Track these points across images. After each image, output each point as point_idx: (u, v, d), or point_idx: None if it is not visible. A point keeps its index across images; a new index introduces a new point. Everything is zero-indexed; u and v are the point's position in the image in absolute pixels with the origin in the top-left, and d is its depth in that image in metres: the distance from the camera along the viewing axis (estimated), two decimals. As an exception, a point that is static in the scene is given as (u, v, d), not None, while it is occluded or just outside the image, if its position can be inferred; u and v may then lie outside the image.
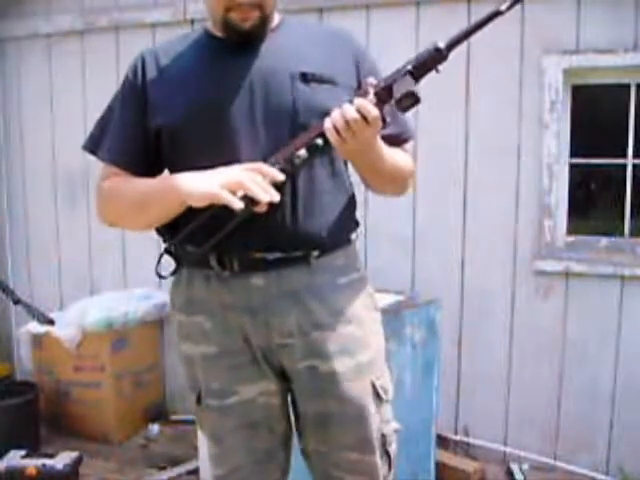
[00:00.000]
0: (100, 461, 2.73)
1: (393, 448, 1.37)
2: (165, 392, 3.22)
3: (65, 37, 3.20)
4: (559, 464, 2.58)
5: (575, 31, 2.42)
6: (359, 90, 1.14)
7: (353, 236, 1.36)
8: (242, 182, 1.11)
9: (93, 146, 1.34)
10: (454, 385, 2.70)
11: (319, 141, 1.13)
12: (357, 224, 1.38)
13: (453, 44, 1.10)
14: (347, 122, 1.08)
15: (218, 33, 1.27)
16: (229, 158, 1.18)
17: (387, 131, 1.25)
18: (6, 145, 3.42)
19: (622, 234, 2.58)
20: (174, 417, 3.13)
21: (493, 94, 2.54)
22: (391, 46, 2.49)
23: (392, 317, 2.03)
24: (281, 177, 1.12)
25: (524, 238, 2.58)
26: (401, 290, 2.39)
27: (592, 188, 5.80)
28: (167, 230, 1.29)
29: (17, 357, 3.31)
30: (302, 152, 1.14)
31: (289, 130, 1.19)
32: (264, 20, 1.22)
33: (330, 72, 1.24)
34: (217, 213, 1.16)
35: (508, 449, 2.65)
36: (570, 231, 2.60)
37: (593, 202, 5.68)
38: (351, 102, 1.10)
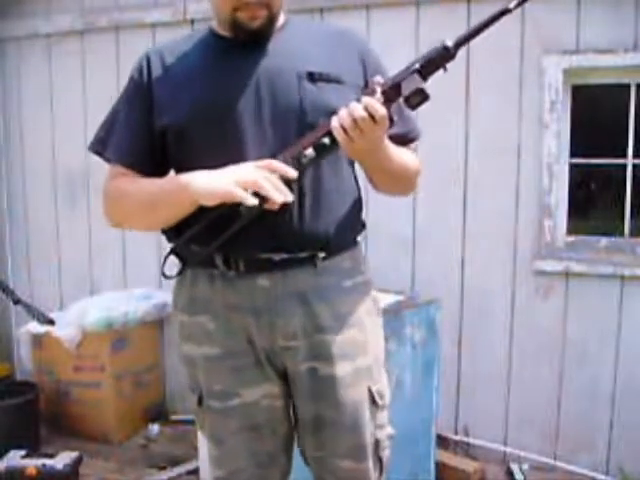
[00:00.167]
0: (100, 461, 2.73)
1: (386, 454, 1.37)
2: (165, 392, 3.22)
3: (65, 37, 3.20)
4: (559, 464, 2.58)
5: (575, 31, 2.42)
6: (366, 89, 1.14)
7: (359, 238, 1.36)
8: (256, 180, 1.10)
9: (99, 147, 1.33)
10: (454, 385, 2.70)
11: (326, 140, 1.12)
12: (363, 226, 1.38)
13: (461, 42, 1.09)
14: (355, 121, 1.08)
15: (224, 32, 1.26)
16: (236, 158, 1.17)
17: (394, 130, 1.25)
18: (6, 145, 3.42)
19: (622, 234, 2.58)
20: (174, 417, 3.13)
21: (493, 94, 2.54)
22: (391, 46, 2.48)
23: (392, 317, 2.03)
24: (293, 173, 1.12)
25: (524, 238, 2.58)
26: (401, 290, 2.39)
27: (592, 188, 5.80)
28: (172, 230, 1.28)
29: (17, 357, 3.31)
30: (309, 151, 1.13)
31: (296, 129, 1.19)
32: (271, 19, 1.22)
33: (336, 71, 1.24)
34: (223, 213, 1.15)
35: (508, 449, 2.65)
36: (570, 231, 2.60)
37: (593, 202, 5.68)
38: (358, 101, 1.09)
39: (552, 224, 2.53)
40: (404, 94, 1.09)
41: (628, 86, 2.46)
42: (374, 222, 2.59)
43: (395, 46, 2.50)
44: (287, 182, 1.12)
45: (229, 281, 1.25)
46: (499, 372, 2.65)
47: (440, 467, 2.42)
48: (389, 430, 1.38)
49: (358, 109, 1.08)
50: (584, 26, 2.41)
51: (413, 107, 1.11)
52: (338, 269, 1.29)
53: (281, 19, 1.28)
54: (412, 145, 1.38)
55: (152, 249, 3.13)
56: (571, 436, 2.57)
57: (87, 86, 3.20)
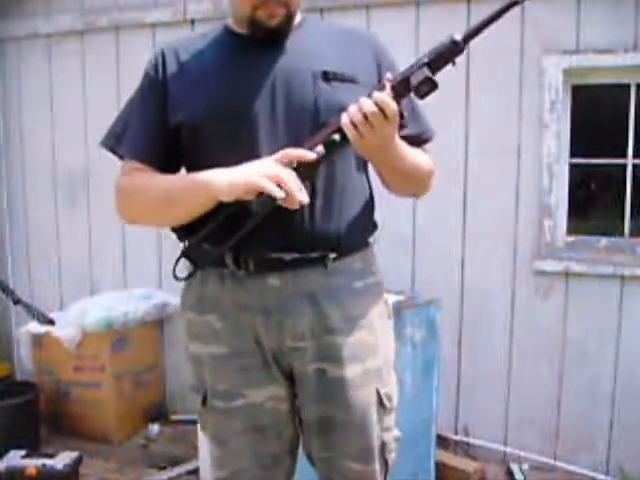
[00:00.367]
0: (100, 461, 2.73)
1: (392, 456, 1.36)
2: (165, 392, 3.22)
3: (65, 37, 3.20)
4: (559, 464, 2.58)
5: (575, 31, 2.42)
6: (377, 85, 1.13)
7: (371, 239, 1.35)
8: (280, 176, 1.09)
9: (113, 143, 1.32)
10: (454, 385, 2.70)
11: (336, 137, 1.11)
12: (375, 226, 1.37)
13: (470, 36, 1.09)
14: (365, 116, 1.07)
15: (240, 30, 1.26)
16: (248, 155, 1.17)
17: (407, 131, 1.25)
18: (6, 145, 3.42)
19: (622, 234, 2.58)
20: (174, 417, 3.13)
21: (493, 94, 2.54)
22: (391, 46, 2.45)
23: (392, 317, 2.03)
24: (312, 155, 1.11)
25: (524, 238, 2.58)
26: (401, 290, 2.39)
27: (592, 188, 5.80)
28: (184, 229, 1.27)
29: (17, 357, 3.31)
30: (319, 148, 1.12)
31: (310, 129, 1.18)
32: (289, 17, 1.22)
33: (351, 71, 1.24)
34: (237, 212, 1.15)
35: (508, 449, 2.65)
36: (570, 231, 2.60)
37: (593, 202, 5.69)
38: (369, 97, 1.09)
39: (552, 224, 2.53)
40: (413, 84, 1.08)
41: (628, 86, 2.46)
42: (374, 222, 2.60)
43: (395, 46, 2.46)
44: (304, 172, 1.11)
45: (239, 280, 1.24)
46: (499, 372, 2.65)
47: (440, 467, 2.42)
48: (395, 433, 1.37)
49: (368, 104, 1.07)
50: (584, 26, 2.41)
51: (422, 96, 1.10)
52: (349, 270, 1.28)
53: (298, 18, 1.28)
54: (426, 146, 1.37)
55: (152, 249, 3.13)
56: (571, 436, 2.57)
57: (87, 86, 3.20)
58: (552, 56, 2.45)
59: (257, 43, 1.23)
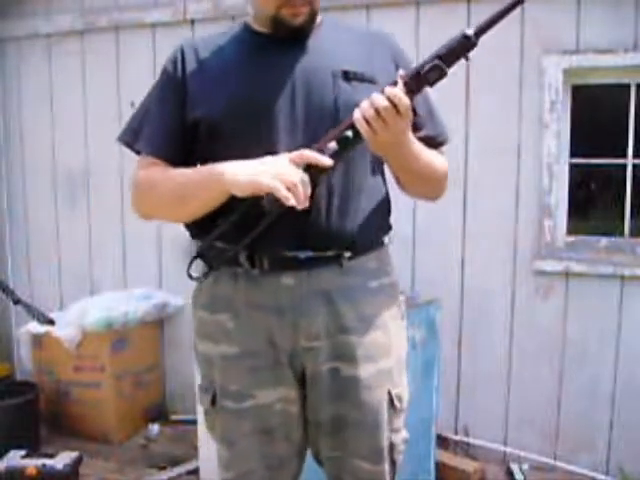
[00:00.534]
0: (100, 461, 2.73)
1: (400, 458, 1.36)
2: (165, 392, 3.22)
3: (65, 37, 3.20)
4: (559, 464, 2.58)
5: (575, 31, 2.42)
6: (390, 83, 1.12)
7: (386, 239, 1.35)
8: (291, 180, 1.08)
9: (130, 138, 1.31)
10: (454, 385, 2.70)
11: (349, 133, 1.11)
12: (390, 227, 1.37)
13: (482, 30, 1.09)
14: (377, 111, 1.07)
15: (260, 29, 1.26)
16: (266, 154, 1.16)
17: (423, 132, 1.25)
18: (6, 145, 3.42)
19: (622, 234, 2.58)
20: (174, 417, 3.13)
21: (493, 94, 2.54)
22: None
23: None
24: (328, 162, 1.10)
25: (524, 238, 2.58)
26: (401, 290, 2.38)
27: (592, 188, 5.80)
28: (198, 227, 1.27)
29: (17, 357, 3.31)
30: (332, 145, 1.11)
31: (329, 128, 1.17)
32: (313, 16, 1.23)
33: (370, 71, 1.24)
34: (249, 210, 1.14)
35: (508, 449, 2.65)
36: (570, 231, 2.60)
37: (593, 202, 5.68)
38: (382, 92, 1.08)
39: (552, 224, 2.53)
40: (422, 72, 1.08)
41: (628, 86, 2.46)
42: (374, 222, 2.60)
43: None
44: (316, 174, 1.11)
45: (253, 279, 1.24)
46: (499, 372, 2.65)
47: (440, 467, 2.42)
48: (404, 434, 1.37)
49: (380, 99, 1.07)
50: (584, 26, 2.41)
51: (430, 84, 1.09)
52: (364, 269, 1.28)
53: (318, 18, 1.28)
54: (442, 149, 1.37)
55: (152, 249, 3.13)
56: (571, 436, 2.57)
57: (87, 86, 3.20)
58: (552, 56, 2.45)
59: (277, 42, 1.24)
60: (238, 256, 1.23)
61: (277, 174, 1.09)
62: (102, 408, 2.90)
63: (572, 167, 2.57)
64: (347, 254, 1.24)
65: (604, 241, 2.56)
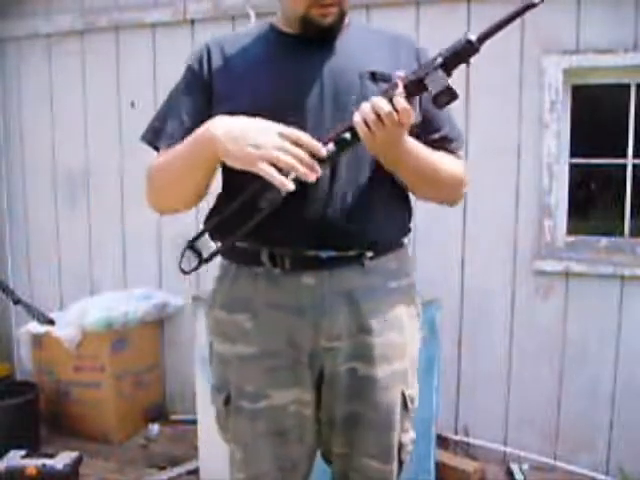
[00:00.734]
0: (100, 461, 2.73)
1: (407, 458, 1.37)
2: (165, 392, 3.22)
3: (65, 37, 3.20)
4: (559, 464, 2.58)
5: (575, 31, 2.42)
6: (389, 83, 1.12)
7: (405, 240, 1.35)
8: (291, 163, 1.07)
9: (151, 137, 1.30)
10: (454, 385, 2.71)
11: (347, 135, 1.11)
12: (410, 229, 1.37)
13: (485, 36, 1.08)
14: (379, 116, 1.07)
15: (287, 29, 1.26)
16: None
17: (441, 134, 1.27)
18: (6, 145, 3.42)
19: (622, 234, 2.58)
20: (174, 417, 3.14)
21: (493, 94, 2.54)
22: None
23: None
24: (323, 152, 1.09)
25: (524, 238, 2.58)
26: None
27: (592, 188, 5.80)
28: (216, 229, 1.26)
29: (17, 357, 3.31)
30: (330, 146, 1.11)
31: None
32: (342, 16, 1.23)
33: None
34: (251, 202, 1.14)
35: (508, 449, 2.65)
36: (570, 231, 2.60)
37: (593, 202, 5.68)
38: (383, 93, 1.08)
39: (552, 224, 2.53)
40: (431, 92, 1.06)
41: (628, 86, 2.46)
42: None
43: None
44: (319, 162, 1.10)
45: (273, 279, 1.23)
46: (499, 372, 2.65)
47: (440, 467, 2.42)
48: (412, 435, 1.37)
49: (384, 105, 1.06)
50: (584, 26, 2.41)
51: (441, 106, 1.08)
52: (384, 269, 1.28)
53: (346, 19, 1.28)
54: (459, 153, 1.37)
55: (152, 249, 3.13)
56: (571, 436, 2.57)
57: (87, 86, 3.20)
58: (552, 56, 2.45)
59: (305, 42, 1.24)
60: (260, 255, 1.23)
61: (264, 155, 1.07)
62: (102, 408, 2.90)
63: (572, 167, 2.57)
64: (369, 254, 1.25)
65: (604, 241, 2.57)
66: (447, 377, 2.59)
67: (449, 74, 1.08)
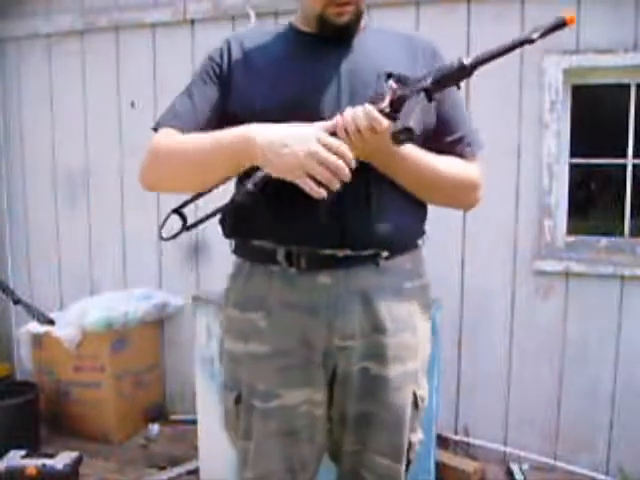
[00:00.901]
0: (100, 461, 2.73)
1: (414, 457, 1.37)
2: (165, 392, 3.22)
3: (65, 37, 3.20)
4: (559, 464, 2.58)
5: (575, 31, 2.42)
6: (378, 93, 1.13)
7: (420, 241, 1.36)
8: (328, 178, 1.07)
9: (164, 118, 1.28)
10: (454, 385, 2.71)
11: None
12: (424, 231, 1.37)
13: (478, 63, 1.10)
14: (358, 130, 1.08)
15: (305, 28, 1.27)
16: None
17: (457, 135, 1.31)
18: (6, 145, 3.42)
19: (622, 234, 2.58)
20: (174, 417, 3.14)
21: (493, 94, 2.54)
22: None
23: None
24: (354, 164, 1.09)
25: (524, 238, 2.58)
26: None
27: (592, 188, 5.80)
28: (231, 227, 1.27)
29: (17, 357, 3.31)
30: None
31: None
32: (358, 16, 1.23)
33: (413, 74, 1.22)
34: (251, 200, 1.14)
35: (508, 449, 2.65)
36: (570, 231, 2.60)
37: (593, 202, 5.68)
38: (371, 101, 1.10)
39: (552, 224, 2.53)
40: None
41: (628, 86, 2.46)
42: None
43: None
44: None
45: (288, 278, 1.23)
46: (499, 372, 2.65)
47: (440, 467, 2.42)
48: (420, 435, 1.38)
49: (361, 119, 1.08)
50: (584, 26, 2.40)
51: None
52: (399, 270, 1.28)
53: (363, 21, 1.28)
54: (475, 159, 1.38)
55: (152, 249, 3.13)
56: (571, 436, 2.57)
57: (87, 86, 3.20)
58: (552, 56, 2.45)
59: (323, 41, 1.24)
60: (276, 253, 1.23)
61: (306, 168, 1.07)
62: (102, 408, 2.90)
63: (572, 167, 2.57)
64: (384, 254, 1.25)
65: (604, 241, 2.57)
66: (447, 377, 2.59)
67: (431, 99, 1.10)
